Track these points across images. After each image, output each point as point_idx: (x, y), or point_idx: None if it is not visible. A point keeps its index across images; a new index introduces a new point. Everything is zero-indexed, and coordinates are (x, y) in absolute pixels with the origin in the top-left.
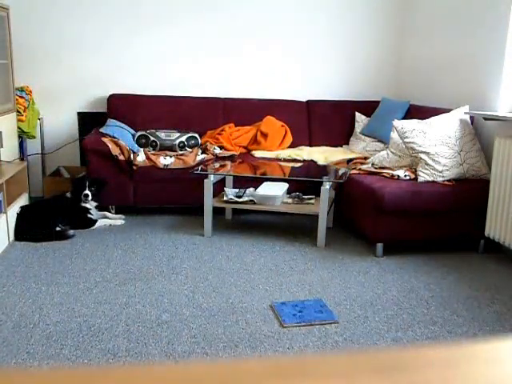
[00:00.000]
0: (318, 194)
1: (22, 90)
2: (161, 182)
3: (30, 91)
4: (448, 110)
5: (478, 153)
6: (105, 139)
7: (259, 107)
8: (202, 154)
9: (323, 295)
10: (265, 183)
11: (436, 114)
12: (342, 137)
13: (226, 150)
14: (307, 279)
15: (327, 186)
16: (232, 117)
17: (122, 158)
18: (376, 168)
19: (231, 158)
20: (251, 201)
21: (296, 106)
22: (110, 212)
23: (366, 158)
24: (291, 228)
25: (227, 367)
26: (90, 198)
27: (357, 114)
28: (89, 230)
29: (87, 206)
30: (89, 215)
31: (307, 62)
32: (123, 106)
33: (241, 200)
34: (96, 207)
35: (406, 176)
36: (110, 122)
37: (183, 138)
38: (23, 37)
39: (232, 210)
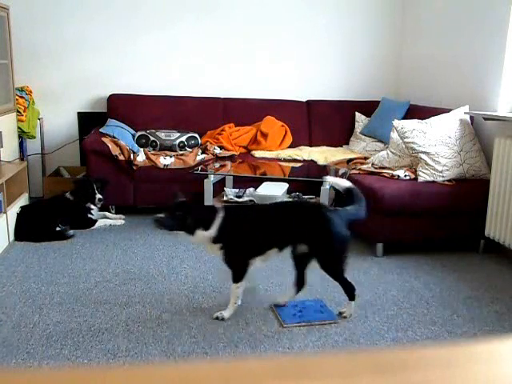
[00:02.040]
0: (318, 193)
1: (21, 90)
2: (161, 182)
3: (30, 91)
4: (448, 110)
5: (478, 153)
6: (105, 139)
7: (259, 107)
8: (201, 153)
9: (323, 295)
10: (265, 183)
11: (436, 114)
12: (342, 137)
13: (226, 150)
14: (307, 279)
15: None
16: (232, 117)
17: (121, 158)
18: (376, 168)
19: (231, 158)
20: (251, 201)
21: (296, 106)
22: (110, 212)
23: (365, 158)
24: None
25: (227, 367)
26: (102, 201)
27: (357, 113)
28: (89, 230)
29: (91, 206)
30: (89, 215)
31: (307, 61)
32: (123, 106)
33: (241, 200)
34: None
35: (406, 176)
36: (110, 122)
37: (183, 138)
38: (23, 37)
39: None
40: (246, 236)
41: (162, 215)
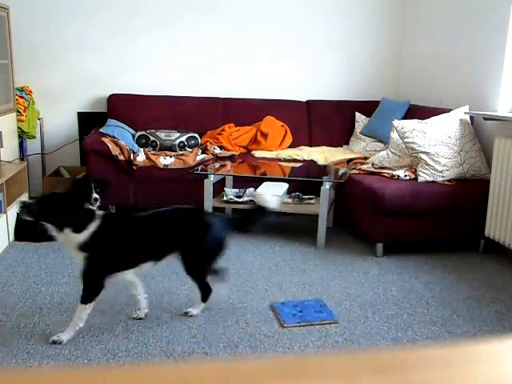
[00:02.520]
0: (318, 193)
1: (21, 90)
2: (161, 182)
3: (30, 91)
4: (448, 110)
5: (478, 153)
6: (105, 139)
7: (259, 107)
8: (201, 154)
9: (323, 295)
10: (265, 183)
11: (436, 114)
12: (342, 137)
13: (226, 150)
14: (307, 279)
15: (327, 186)
16: (232, 117)
17: (121, 158)
18: (376, 168)
19: (231, 158)
20: (251, 201)
21: (296, 105)
22: None
23: (365, 158)
24: (291, 228)
25: (227, 367)
26: (99, 201)
27: (357, 113)
28: None
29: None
30: None
31: (307, 61)
32: (123, 106)
33: (241, 200)
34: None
35: (406, 176)
36: (110, 122)
37: (183, 138)
38: (23, 37)
39: (232, 209)
40: (118, 249)
41: (30, 201)
